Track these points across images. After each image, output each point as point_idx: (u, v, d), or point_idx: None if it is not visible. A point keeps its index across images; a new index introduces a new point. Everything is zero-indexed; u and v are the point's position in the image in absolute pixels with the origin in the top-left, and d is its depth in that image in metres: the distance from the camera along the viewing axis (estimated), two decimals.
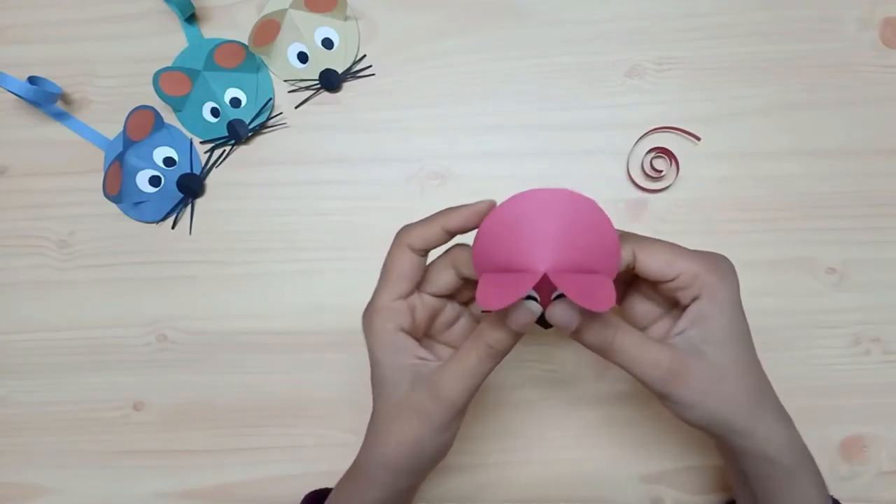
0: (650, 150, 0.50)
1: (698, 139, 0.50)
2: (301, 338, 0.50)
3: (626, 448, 0.49)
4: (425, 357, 0.35)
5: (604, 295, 0.29)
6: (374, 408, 0.37)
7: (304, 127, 0.51)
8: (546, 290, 0.32)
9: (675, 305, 0.36)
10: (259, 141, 0.52)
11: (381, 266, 0.36)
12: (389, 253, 0.35)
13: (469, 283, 0.36)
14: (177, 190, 0.51)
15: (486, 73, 0.51)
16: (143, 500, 0.50)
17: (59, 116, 0.51)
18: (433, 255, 0.37)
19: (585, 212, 0.30)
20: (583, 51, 0.50)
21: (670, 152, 0.49)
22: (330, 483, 0.47)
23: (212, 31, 0.52)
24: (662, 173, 0.50)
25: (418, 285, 0.36)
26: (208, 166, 0.51)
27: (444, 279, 0.36)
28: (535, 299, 0.32)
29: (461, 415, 0.35)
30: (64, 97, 0.52)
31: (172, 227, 0.51)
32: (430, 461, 0.36)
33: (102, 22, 0.52)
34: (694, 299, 0.34)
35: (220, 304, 0.51)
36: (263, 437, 0.50)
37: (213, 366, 0.51)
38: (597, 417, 0.50)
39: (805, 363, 0.49)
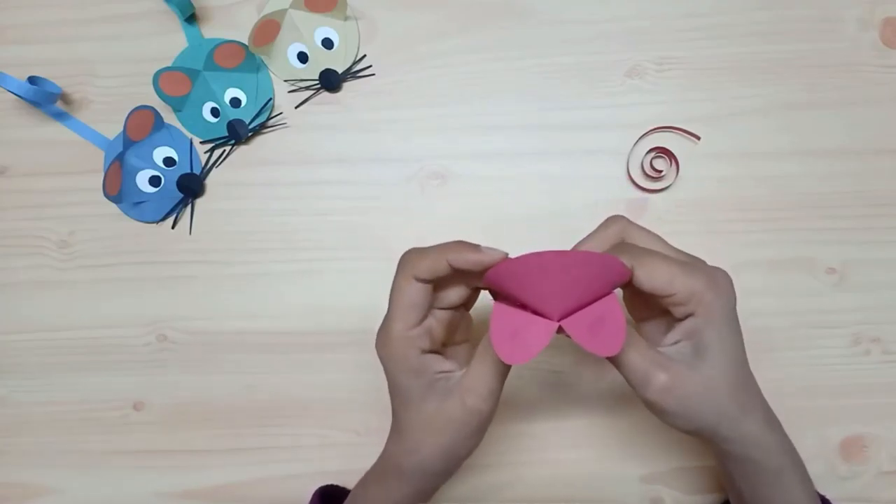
0: (650, 150, 0.50)
1: (698, 138, 0.50)
2: (301, 338, 0.50)
3: (626, 448, 0.49)
4: (447, 370, 0.36)
5: (614, 336, 0.31)
6: (400, 420, 0.37)
7: (304, 127, 0.51)
8: None
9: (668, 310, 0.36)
10: (259, 141, 0.52)
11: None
12: (396, 283, 0.35)
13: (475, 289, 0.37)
14: (177, 190, 0.50)
15: (486, 73, 0.51)
16: (143, 500, 0.50)
17: (59, 116, 0.51)
18: None
19: (595, 265, 0.31)
20: (583, 51, 0.50)
21: (670, 152, 0.50)
22: (331, 482, 0.47)
23: (212, 31, 0.52)
24: (662, 173, 0.50)
25: (429, 308, 0.36)
26: (208, 166, 0.51)
27: (456, 294, 0.36)
28: None
29: (491, 418, 0.36)
30: (64, 97, 0.52)
31: (172, 227, 0.51)
32: (460, 461, 0.38)
33: (102, 22, 0.52)
34: (687, 316, 0.34)
35: (220, 304, 0.51)
36: (263, 437, 0.50)
37: (213, 366, 0.51)
38: (597, 418, 0.50)
39: (805, 363, 0.49)
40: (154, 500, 0.50)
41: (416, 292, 0.34)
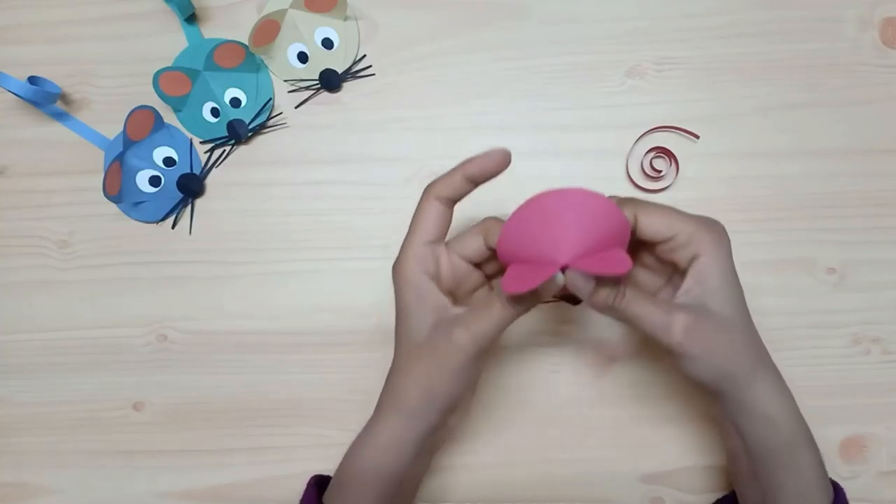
0: (650, 150, 0.50)
1: (697, 137, 0.50)
2: (301, 338, 0.50)
3: (626, 448, 0.49)
4: (448, 304, 0.37)
5: (620, 260, 0.32)
6: (395, 353, 0.38)
7: (304, 127, 0.51)
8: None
9: (675, 274, 0.38)
10: (259, 141, 0.52)
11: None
12: (419, 205, 0.38)
13: (494, 257, 0.38)
14: (177, 190, 0.51)
15: (486, 73, 0.51)
16: (143, 500, 0.50)
17: (59, 116, 0.51)
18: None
19: (596, 205, 0.33)
20: (583, 51, 0.50)
21: (670, 152, 0.49)
22: None
23: (212, 31, 0.52)
24: (662, 173, 0.50)
25: (444, 235, 0.38)
26: (208, 166, 0.51)
27: (474, 245, 0.38)
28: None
29: (474, 365, 0.36)
30: (64, 97, 0.52)
31: (172, 227, 0.51)
32: (440, 410, 0.37)
33: (102, 22, 0.52)
34: (693, 259, 0.36)
35: (220, 304, 0.51)
36: (263, 437, 0.50)
37: (213, 366, 0.51)
38: (597, 417, 0.50)
39: (805, 363, 0.49)
40: (154, 500, 0.50)
41: (433, 210, 0.37)
